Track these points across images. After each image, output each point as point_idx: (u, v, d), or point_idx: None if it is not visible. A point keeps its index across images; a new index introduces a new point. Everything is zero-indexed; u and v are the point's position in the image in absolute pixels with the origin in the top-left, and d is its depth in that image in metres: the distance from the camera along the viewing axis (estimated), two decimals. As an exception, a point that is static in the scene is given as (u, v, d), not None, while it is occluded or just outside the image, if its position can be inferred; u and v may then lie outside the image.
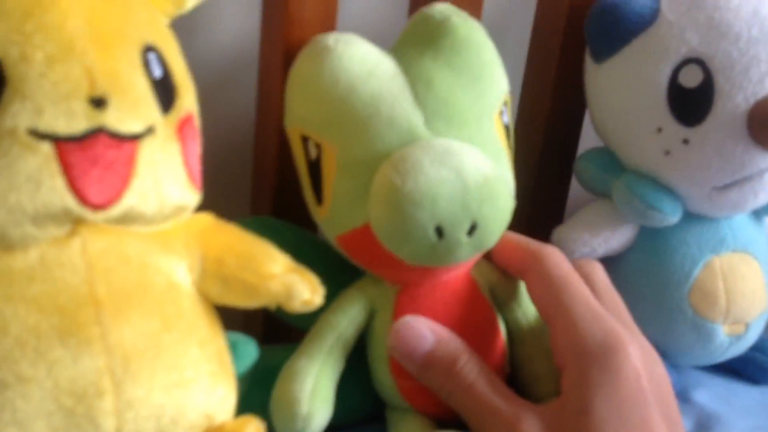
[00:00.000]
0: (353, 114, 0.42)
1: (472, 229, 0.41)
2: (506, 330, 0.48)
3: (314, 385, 0.43)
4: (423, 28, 0.45)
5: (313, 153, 0.44)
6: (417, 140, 0.42)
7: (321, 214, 0.45)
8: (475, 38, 0.45)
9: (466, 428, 0.44)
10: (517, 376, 0.48)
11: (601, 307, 0.44)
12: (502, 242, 0.47)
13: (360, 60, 0.43)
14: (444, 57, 0.44)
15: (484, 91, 0.45)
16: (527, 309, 0.48)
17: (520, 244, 0.47)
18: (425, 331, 0.44)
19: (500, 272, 0.48)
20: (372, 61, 0.43)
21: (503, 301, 0.48)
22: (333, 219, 0.44)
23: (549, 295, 0.44)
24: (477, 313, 0.47)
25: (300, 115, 0.44)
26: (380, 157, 0.42)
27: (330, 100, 0.42)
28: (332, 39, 0.43)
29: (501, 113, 0.46)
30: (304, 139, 0.44)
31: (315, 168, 0.44)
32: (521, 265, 0.46)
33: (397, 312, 0.45)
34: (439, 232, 0.40)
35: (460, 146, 0.42)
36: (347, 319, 0.45)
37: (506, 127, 0.46)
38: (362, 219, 0.42)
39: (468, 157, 0.41)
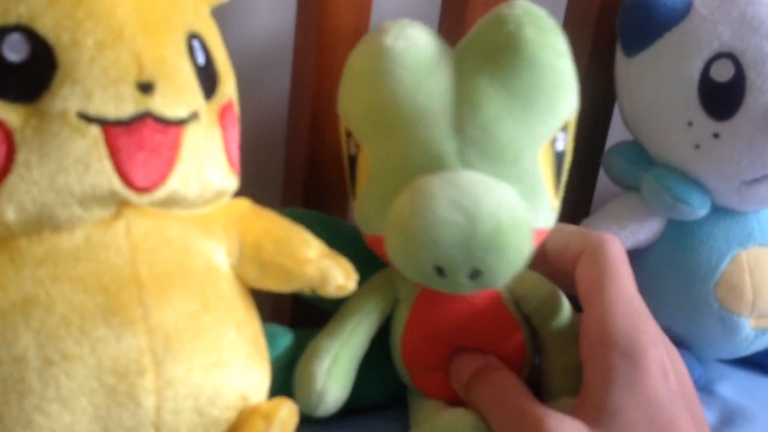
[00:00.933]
0: (391, 128, 0.41)
1: (474, 275, 0.41)
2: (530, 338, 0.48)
3: (331, 364, 0.44)
4: (494, 32, 0.42)
5: (353, 150, 0.44)
6: (444, 169, 0.41)
7: (355, 208, 0.46)
8: (542, 59, 0.41)
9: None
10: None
11: (642, 306, 0.43)
12: (561, 229, 0.46)
13: (413, 68, 0.41)
14: (503, 76, 0.41)
15: (536, 120, 0.41)
16: (551, 323, 0.47)
17: (581, 230, 0.46)
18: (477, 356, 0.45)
19: (530, 285, 0.47)
20: (424, 71, 0.41)
21: (529, 312, 0.47)
22: (361, 217, 0.45)
23: (596, 278, 0.43)
24: (494, 318, 0.46)
25: (347, 111, 0.44)
26: (406, 176, 0.41)
27: (374, 107, 0.42)
28: (392, 35, 0.42)
29: (553, 141, 0.43)
30: (348, 134, 0.45)
31: (352, 164, 0.45)
32: (581, 245, 0.45)
33: (414, 309, 0.46)
34: (440, 271, 0.41)
35: (485, 185, 0.40)
36: (372, 303, 0.46)
37: (558, 155, 0.43)
38: (381, 230, 0.43)
39: (487, 200, 0.39)
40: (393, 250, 0.42)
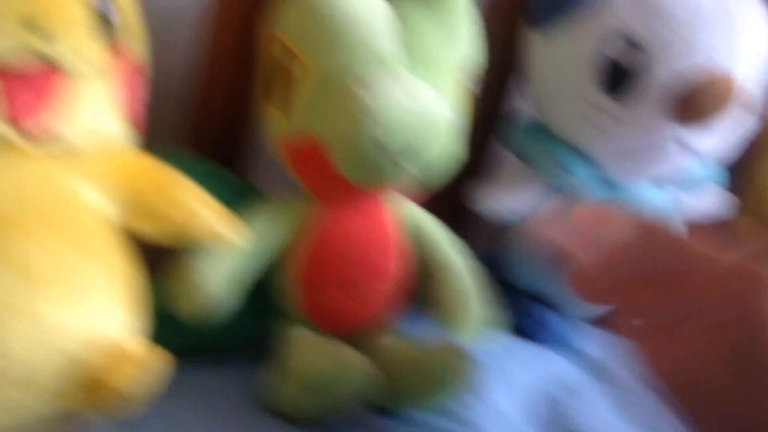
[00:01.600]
0: (342, 37, 0.45)
1: (415, 157, 0.44)
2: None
3: (222, 266, 0.46)
4: None
5: (288, 60, 0.46)
6: (391, 69, 0.45)
7: (278, 117, 0.47)
8: (462, 3, 0.49)
9: (360, 350, 0.46)
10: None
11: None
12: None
13: None
14: (432, 11, 0.48)
15: (455, 46, 0.49)
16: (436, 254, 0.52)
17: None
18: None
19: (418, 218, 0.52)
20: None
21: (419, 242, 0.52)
22: (289, 123, 0.47)
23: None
24: (396, 236, 0.51)
25: (291, 28, 0.47)
26: (352, 77, 0.45)
27: (325, 21, 0.45)
28: None
29: (463, 73, 0.49)
30: (283, 46, 0.46)
31: (286, 74, 0.46)
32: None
33: (322, 229, 0.49)
34: (386, 150, 0.43)
35: (426, 86, 0.45)
36: (268, 226, 0.48)
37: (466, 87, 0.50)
38: (318, 128, 0.45)
39: (431, 95, 0.45)
40: (342, 136, 0.44)
